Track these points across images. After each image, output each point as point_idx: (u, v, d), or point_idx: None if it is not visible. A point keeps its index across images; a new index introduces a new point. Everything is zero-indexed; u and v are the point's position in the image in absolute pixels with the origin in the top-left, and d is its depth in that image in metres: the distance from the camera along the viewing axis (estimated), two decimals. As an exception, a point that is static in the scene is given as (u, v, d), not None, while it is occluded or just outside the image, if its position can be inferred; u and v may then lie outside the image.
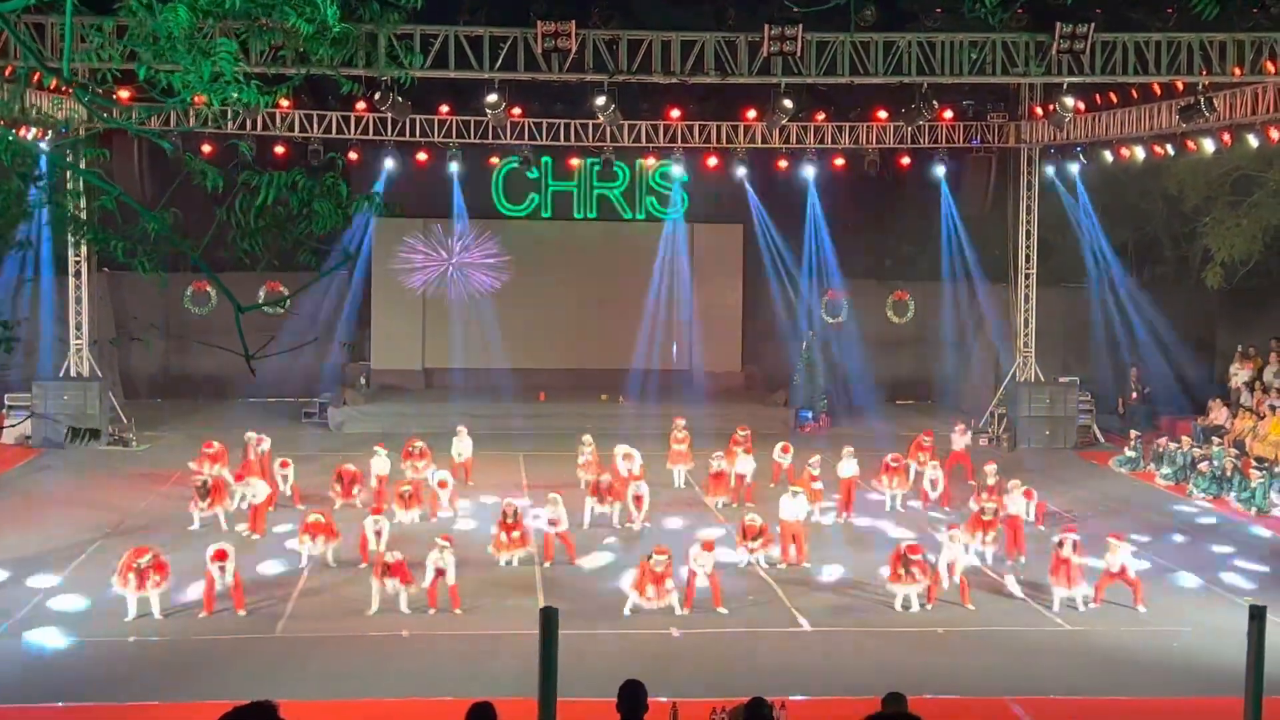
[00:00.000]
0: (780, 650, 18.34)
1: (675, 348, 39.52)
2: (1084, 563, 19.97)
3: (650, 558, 19.45)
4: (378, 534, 21.44)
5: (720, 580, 19.78)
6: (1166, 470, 29.53)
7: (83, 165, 8.33)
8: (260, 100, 7.95)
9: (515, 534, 21.88)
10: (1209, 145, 28.49)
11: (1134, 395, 36.19)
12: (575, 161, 37.11)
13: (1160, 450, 30.32)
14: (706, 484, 26.45)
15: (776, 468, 27.06)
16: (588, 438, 27.37)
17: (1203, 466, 28.38)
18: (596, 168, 37.47)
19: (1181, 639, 18.77)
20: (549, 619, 6.85)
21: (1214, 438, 31.16)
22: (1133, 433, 31.86)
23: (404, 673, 17.27)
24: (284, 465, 25.95)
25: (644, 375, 38.04)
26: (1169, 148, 29.78)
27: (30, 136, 22.07)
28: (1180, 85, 27.24)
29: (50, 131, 22.28)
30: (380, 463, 25.69)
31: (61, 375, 32.22)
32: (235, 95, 7.83)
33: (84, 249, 31.94)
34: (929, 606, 19.71)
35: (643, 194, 39.24)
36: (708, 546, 19.89)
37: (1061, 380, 34.92)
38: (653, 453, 27.49)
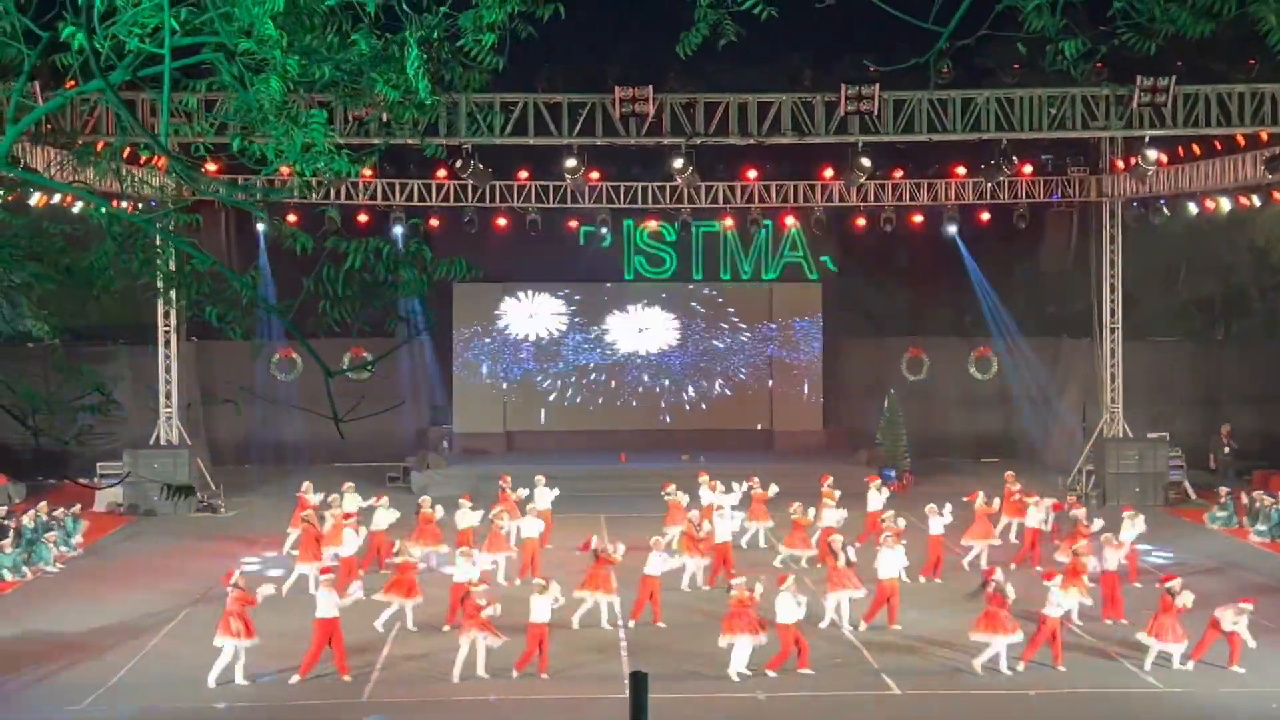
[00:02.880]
0: (868, 714, 18.12)
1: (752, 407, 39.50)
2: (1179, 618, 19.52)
3: (729, 590, 19.53)
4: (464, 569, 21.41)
5: (806, 640, 19.57)
6: (1262, 527, 28.85)
7: (171, 229, 8.50)
8: (350, 169, 8.06)
9: (606, 569, 21.79)
10: (1296, 196, 28.11)
11: (1225, 450, 35.47)
12: (654, 224, 37.41)
13: (1256, 506, 29.65)
14: (790, 538, 26.17)
15: (870, 521, 26.66)
16: (672, 488, 27.37)
17: (1299, 523, 27.76)
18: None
19: (1282, 700, 18.33)
20: (639, 683, 6.82)
21: (1310, 492, 30.44)
22: (1222, 489, 31.17)
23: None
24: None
25: (723, 435, 38.08)
26: (1255, 199, 29.42)
27: (122, 207, 22.49)
28: (1265, 136, 26.90)
29: (140, 205, 22.75)
30: (465, 516, 25.76)
31: (151, 443, 32.73)
32: (325, 165, 7.97)
33: (173, 318, 32.54)
34: (1020, 668, 19.36)
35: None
36: (781, 580, 19.78)
37: (1150, 436, 34.31)
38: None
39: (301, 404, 31.88)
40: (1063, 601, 19.88)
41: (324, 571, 20.32)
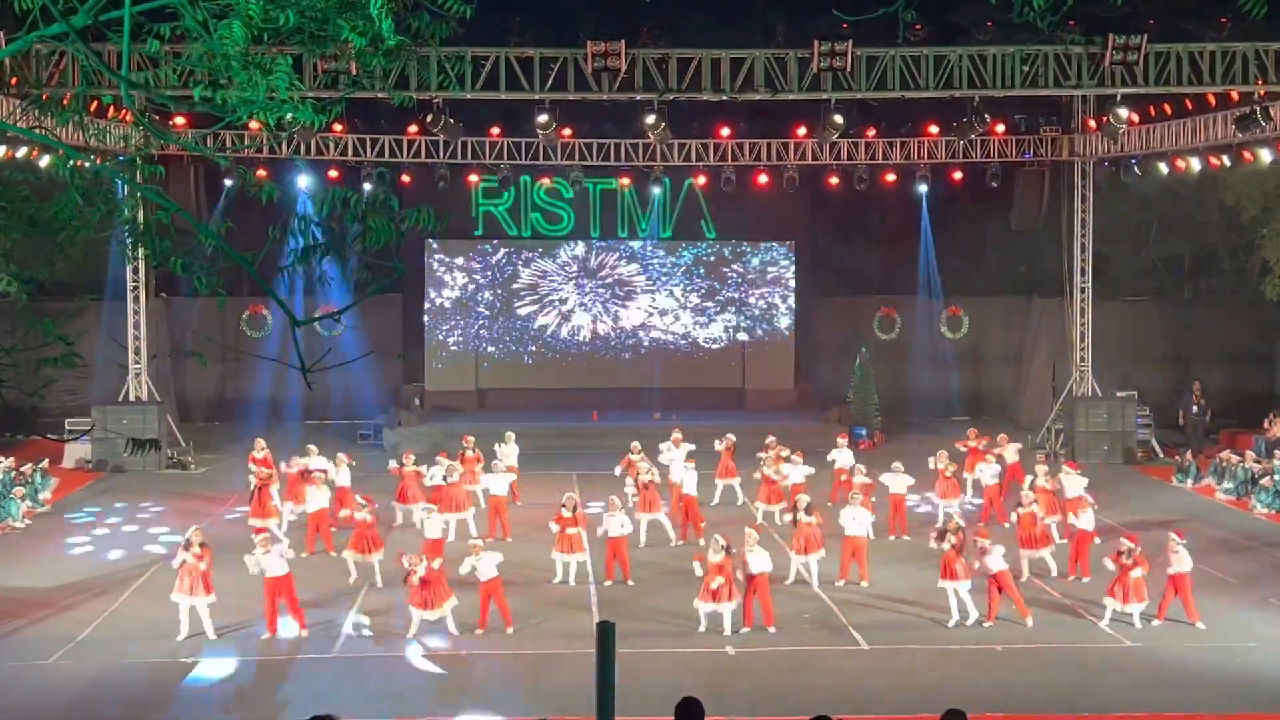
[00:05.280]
0: (837, 669, 18.22)
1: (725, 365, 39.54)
2: (1142, 577, 19.64)
3: (706, 549, 19.59)
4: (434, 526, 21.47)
5: (770, 598, 19.67)
6: (1228, 485, 29.08)
7: (138, 181, 8.39)
8: (315, 120, 7.96)
9: (573, 530, 21.84)
10: (1266, 155, 28.10)
11: (1195, 408, 35.62)
12: (625, 181, 37.16)
13: (1222, 464, 29.88)
14: (760, 492, 26.31)
15: (835, 483, 26.73)
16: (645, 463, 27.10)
17: (1265, 481, 27.95)
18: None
19: (1245, 655, 18.51)
20: (605, 633, 6.80)
21: (1276, 451, 30.67)
22: (1189, 454, 31.30)
23: (463, 692, 17.29)
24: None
25: (695, 394, 38.06)
26: (1225, 159, 29.42)
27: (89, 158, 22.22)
28: (1235, 95, 26.92)
29: (105, 160, 22.49)
30: (435, 472, 25.78)
31: (120, 399, 32.53)
32: (290, 115, 7.87)
33: (142, 273, 32.30)
34: (988, 624, 19.51)
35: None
36: (756, 529, 19.83)
37: (1119, 394, 34.52)
38: (704, 468, 27.27)
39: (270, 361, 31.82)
40: (996, 555, 19.89)
41: (257, 532, 20.29)
